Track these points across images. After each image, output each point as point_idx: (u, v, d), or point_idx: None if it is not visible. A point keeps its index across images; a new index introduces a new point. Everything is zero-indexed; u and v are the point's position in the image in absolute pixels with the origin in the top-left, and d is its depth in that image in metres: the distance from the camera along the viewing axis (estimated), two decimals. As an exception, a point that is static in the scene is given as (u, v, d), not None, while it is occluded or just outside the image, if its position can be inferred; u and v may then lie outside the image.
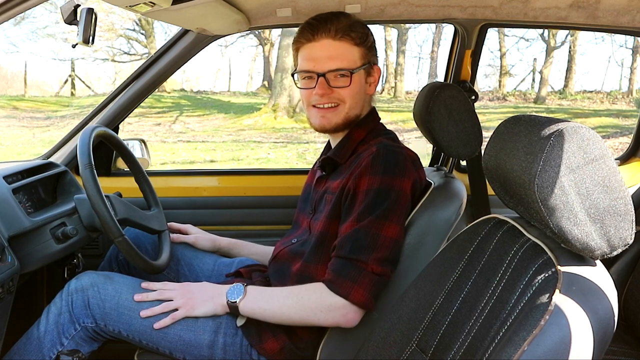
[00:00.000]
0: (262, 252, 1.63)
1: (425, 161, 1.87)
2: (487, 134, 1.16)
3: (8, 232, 1.22)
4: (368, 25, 1.36)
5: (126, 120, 1.90)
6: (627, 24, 1.60)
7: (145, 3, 1.14)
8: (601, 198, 0.79)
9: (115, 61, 12.43)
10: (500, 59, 12.77)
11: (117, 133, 1.77)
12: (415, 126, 1.61)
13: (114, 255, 1.58)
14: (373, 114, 1.40)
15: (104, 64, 12.74)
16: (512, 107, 11.22)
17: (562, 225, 0.79)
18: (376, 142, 1.30)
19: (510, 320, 0.81)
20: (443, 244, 1.25)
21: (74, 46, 1.18)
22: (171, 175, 2.08)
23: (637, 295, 1.50)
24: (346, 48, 1.30)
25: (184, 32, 1.72)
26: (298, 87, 1.37)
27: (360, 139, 1.35)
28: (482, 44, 1.87)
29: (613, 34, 9.38)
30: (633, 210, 0.80)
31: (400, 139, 1.40)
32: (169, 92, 11.89)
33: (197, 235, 1.64)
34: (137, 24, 11.99)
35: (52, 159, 1.79)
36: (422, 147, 1.98)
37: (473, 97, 1.88)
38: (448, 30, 13.11)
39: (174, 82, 12.47)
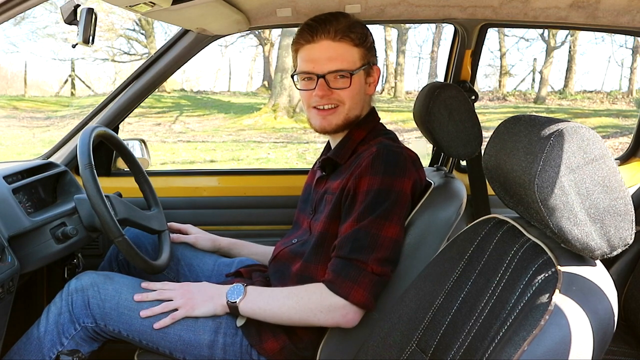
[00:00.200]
0: (262, 252, 1.63)
1: (425, 161, 1.87)
2: (487, 134, 1.16)
3: (8, 232, 1.22)
4: (367, 26, 1.36)
5: (126, 120, 1.90)
6: (627, 24, 1.60)
7: (145, 3, 1.14)
8: (601, 198, 0.79)
9: (115, 61, 12.44)
10: (500, 59, 12.79)
11: (117, 133, 1.77)
12: (415, 126, 1.61)
13: (114, 255, 1.58)
14: (373, 114, 1.40)
15: (104, 64, 12.76)
16: (512, 107, 11.22)
17: (562, 225, 0.79)
18: (376, 142, 1.30)
19: (510, 320, 0.81)
20: (443, 244, 1.25)
21: (74, 46, 1.18)
22: (171, 175, 2.08)
23: (637, 295, 1.50)
24: (346, 49, 1.30)
25: (184, 32, 1.72)
26: (298, 89, 1.37)
27: (360, 139, 1.35)
28: (482, 44, 1.87)
29: (613, 34, 9.38)
30: (633, 210, 0.80)
31: (400, 139, 1.40)
32: (169, 92, 11.90)
33: (197, 235, 1.64)
34: (137, 24, 12.00)
35: (52, 159, 1.79)
36: (422, 147, 1.98)
37: (473, 97, 1.88)
38: (448, 30, 13.13)
39: (174, 82, 12.48)
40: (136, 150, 1.88)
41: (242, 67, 16.68)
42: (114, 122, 1.82)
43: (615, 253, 0.81)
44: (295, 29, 1.38)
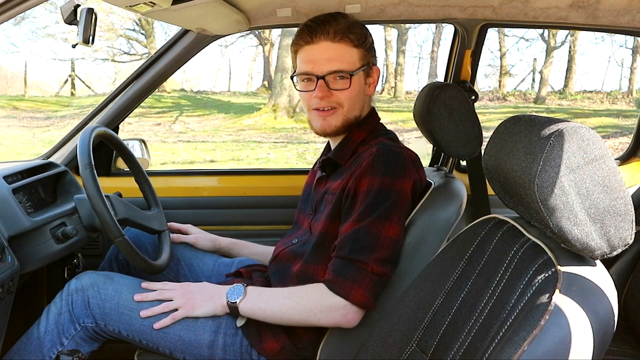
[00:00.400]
0: (262, 252, 1.63)
1: (425, 161, 1.87)
2: (487, 134, 1.16)
3: (8, 232, 1.22)
4: (367, 26, 1.36)
5: (126, 120, 1.90)
6: (627, 24, 1.60)
7: (145, 3, 1.14)
8: (601, 198, 0.79)
9: (115, 61, 12.45)
10: (500, 59, 12.79)
11: (117, 133, 1.77)
12: (415, 126, 1.61)
13: (114, 255, 1.58)
14: (373, 114, 1.40)
15: (104, 64, 12.77)
16: (512, 107, 11.23)
17: (562, 225, 0.79)
18: (376, 142, 1.30)
19: (510, 320, 0.81)
20: (443, 244, 1.24)
21: (74, 46, 1.18)
22: (171, 175, 2.08)
23: (637, 295, 1.50)
24: (345, 50, 1.29)
25: (184, 32, 1.72)
26: (297, 90, 1.37)
27: (360, 140, 1.35)
28: (482, 44, 1.87)
29: (613, 34, 9.38)
30: (633, 210, 0.80)
31: (400, 139, 1.40)
32: (169, 92, 11.90)
33: (197, 235, 1.64)
34: (137, 24, 12.00)
35: (52, 159, 1.79)
36: (422, 147, 1.98)
37: (473, 97, 1.88)
38: (448, 30, 13.13)
39: (174, 82, 12.48)
40: (136, 150, 1.88)
41: (242, 67, 16.71)
42: (114, 122, 1.82)
43: (615, 253, 0.81)
44: (295, 29, 1.38)
